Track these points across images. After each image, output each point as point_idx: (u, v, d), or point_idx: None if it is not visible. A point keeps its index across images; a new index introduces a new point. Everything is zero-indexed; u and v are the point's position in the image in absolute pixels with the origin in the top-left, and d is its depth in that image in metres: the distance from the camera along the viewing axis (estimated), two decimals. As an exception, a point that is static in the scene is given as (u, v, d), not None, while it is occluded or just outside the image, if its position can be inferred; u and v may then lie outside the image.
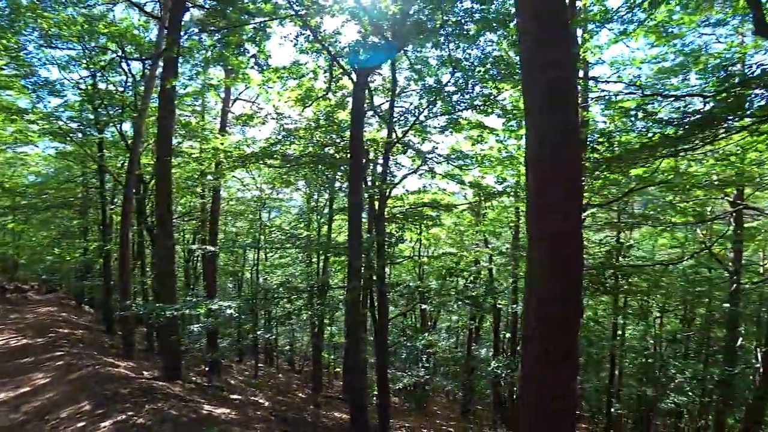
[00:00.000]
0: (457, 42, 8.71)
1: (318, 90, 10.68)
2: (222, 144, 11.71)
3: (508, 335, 15.71)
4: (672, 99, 5.80)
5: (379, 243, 9.23)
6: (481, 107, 9.26)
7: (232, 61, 10.05)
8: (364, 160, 9.62)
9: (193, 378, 10.16)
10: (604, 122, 8.02)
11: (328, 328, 14.98)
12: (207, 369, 12.10)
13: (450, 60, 8.90)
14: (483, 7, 7.94)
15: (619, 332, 16.46)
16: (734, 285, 10.06)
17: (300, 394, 13.45)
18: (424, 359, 12.07)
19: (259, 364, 15.99)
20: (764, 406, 9.55)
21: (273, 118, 11.22)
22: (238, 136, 14.72)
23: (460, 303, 11.51)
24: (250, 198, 17.55)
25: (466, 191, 12.77)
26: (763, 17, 5.89)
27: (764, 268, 13.08)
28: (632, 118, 6.38)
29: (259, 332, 13.01)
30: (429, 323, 17.39)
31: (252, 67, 10.40)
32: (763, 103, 5.27)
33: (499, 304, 13.95)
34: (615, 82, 7.17)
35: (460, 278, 14.54)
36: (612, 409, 14.35)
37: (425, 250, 17.08)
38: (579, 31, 8.38)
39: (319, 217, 15.43)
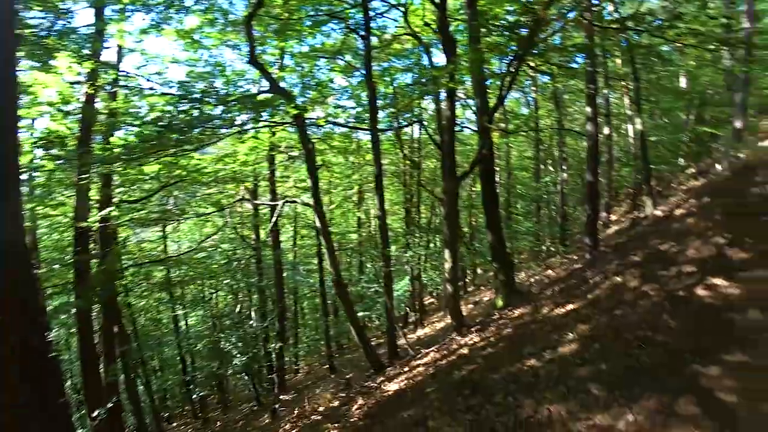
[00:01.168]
0: None
1: None
2: None
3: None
4: (188, 101, 6.36)
5: None
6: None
7: None
8: None
9: None
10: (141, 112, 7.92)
11: None
12: None
13: None
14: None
15: (182, 322, 17.23)
16: (257, 258, 12.68)
17: None
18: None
19: None
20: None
21: None
22: None
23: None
24: None
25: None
26: (254, 51, 7.56)
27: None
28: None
29: None
30: None
31: None
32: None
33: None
34: (139, 75, 7.13)
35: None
36: (194, 395, 14.80)
37: None
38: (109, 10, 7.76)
39: None
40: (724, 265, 4.81)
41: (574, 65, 10.81)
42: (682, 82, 16.63)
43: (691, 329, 3.79)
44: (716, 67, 15.83)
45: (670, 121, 18.47)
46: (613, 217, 15.37)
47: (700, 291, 4.41)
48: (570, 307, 5.76)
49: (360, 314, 12.84)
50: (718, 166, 12.88)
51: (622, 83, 15.21)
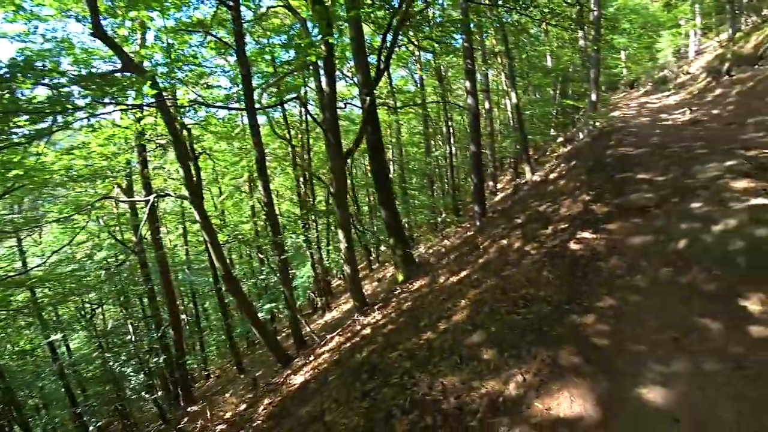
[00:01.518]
0: None
1: None
2: None
3: None
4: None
5: None
6: None
7: None
8: None
9: None
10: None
11: None
12: None
13: None
14: None
15: (62, 348, 14.93)
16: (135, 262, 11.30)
17: None
18: None
19: None
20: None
21: None
22: None
23: None
24: None
25: None
26: (99, 22, 6.41)
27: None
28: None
29: None
30: None
31: None
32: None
33: None
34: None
35: None
36: (91, 428, 13.03)
37: None
38: None
39: None
40: (590, 219, 5.31)
41: (454, 42, 11.17)
42: (548, 61, 18.40)
43: (568, 281, 4.09)
44: (574, 48, 17.80)
45: (540, 95, 20.39)
46: (499, 185, 16.56)
47: (573, 245, 4.79)
48: (463, 273, 5.96)
49: (267, 306, 12.21)
50: (581, 134, 14.52)
51: (498, 61, 16.26)
